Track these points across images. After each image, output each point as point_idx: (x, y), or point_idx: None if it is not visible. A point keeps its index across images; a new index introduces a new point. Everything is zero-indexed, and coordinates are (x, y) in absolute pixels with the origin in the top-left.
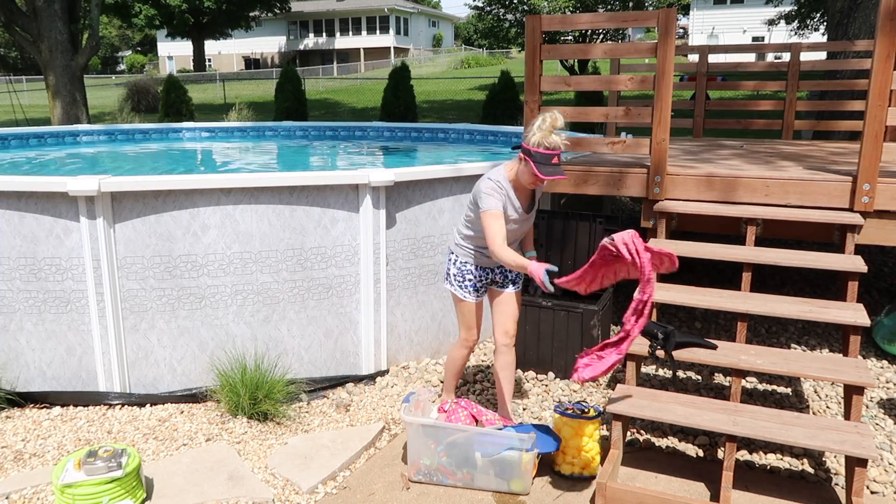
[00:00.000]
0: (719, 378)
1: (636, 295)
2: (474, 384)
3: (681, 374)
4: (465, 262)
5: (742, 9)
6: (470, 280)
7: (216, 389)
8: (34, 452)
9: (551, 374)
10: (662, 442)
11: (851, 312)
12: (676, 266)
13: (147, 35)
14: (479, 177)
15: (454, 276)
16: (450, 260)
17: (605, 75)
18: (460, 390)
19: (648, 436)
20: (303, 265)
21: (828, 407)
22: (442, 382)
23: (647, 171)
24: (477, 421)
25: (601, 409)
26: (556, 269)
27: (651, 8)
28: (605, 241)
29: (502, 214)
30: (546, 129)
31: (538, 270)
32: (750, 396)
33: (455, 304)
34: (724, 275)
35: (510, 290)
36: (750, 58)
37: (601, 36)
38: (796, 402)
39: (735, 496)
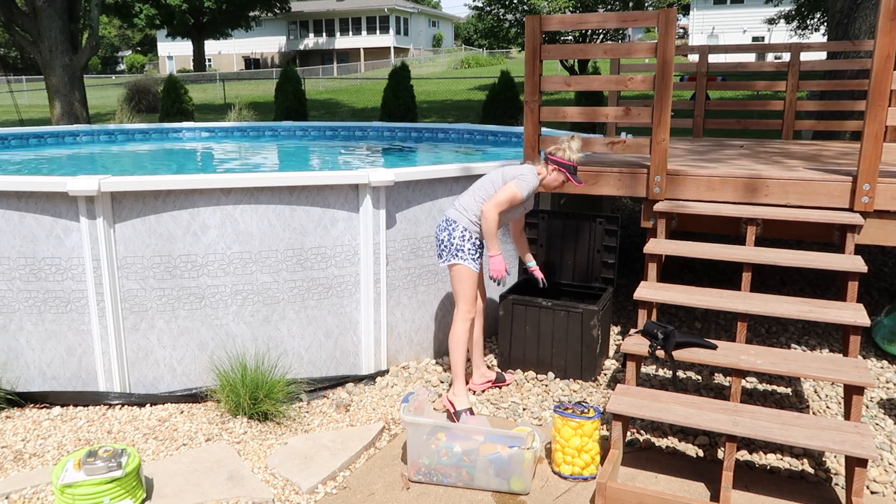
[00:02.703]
0: (719, 378)
1: None
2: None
3: (681, 374)
4: (466, 230)
5: (742, 9)
6: (470, 249)
7: (216, 389)
8: (34, 452)
9: (551, 374)
10: (662, 442)
11: (851, 312)
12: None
13: (147, 35)
14: (479, 176)
15: (458, 248)
16: (450, 230)
17: (605, 75)
18: None
19: (648, 436)
20: (303, 265)
21: (828, 407)
22: (442, 382)
23: (647, 171)
24: None
25: (601, 409)
26: (506, 277)
27: (651, 8)
28: None
29: (521, 202)
30: (577, 149)
31: (497, 262)
32: (750, 396)
33: (457, 279)
34: (724, 275)
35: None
36: (750, 58)
37: (601, 36)
38: (796, 402)
39: (735, 496)
